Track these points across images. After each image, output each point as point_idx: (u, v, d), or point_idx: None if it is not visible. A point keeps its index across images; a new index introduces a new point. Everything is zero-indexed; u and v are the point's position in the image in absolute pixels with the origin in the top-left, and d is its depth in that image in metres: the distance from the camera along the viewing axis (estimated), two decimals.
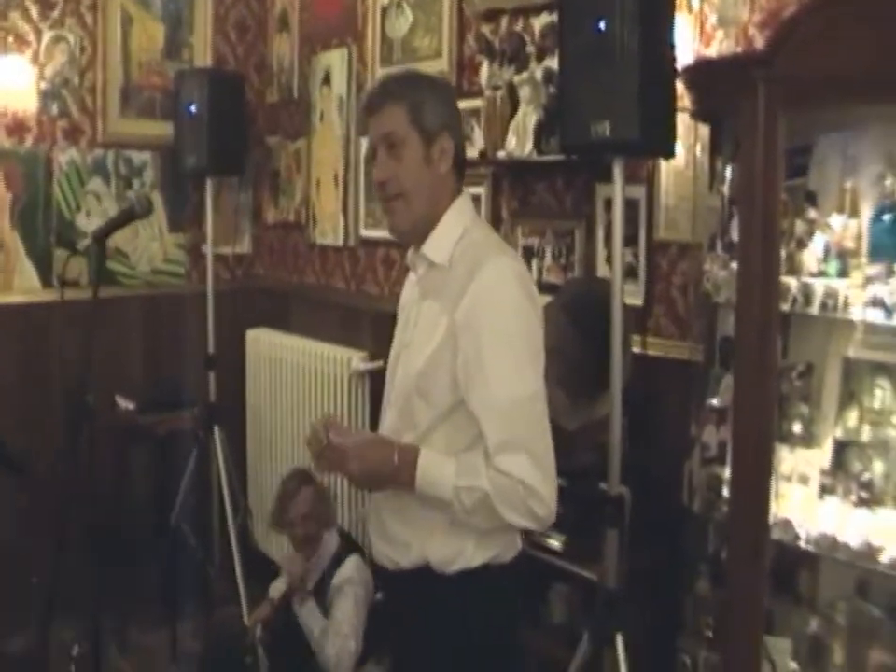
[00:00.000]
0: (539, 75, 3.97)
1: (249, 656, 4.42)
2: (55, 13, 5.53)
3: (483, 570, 2.70)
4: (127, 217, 4.26)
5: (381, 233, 5.16)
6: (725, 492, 2.96)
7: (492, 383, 2.57)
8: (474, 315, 2.58)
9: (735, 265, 2.91)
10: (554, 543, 3.61)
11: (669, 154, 3.12)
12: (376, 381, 5.07)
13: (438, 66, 4.64)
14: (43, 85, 5.52)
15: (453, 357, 2.61)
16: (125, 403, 5.55)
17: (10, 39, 5.40)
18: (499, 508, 2.55)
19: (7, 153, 5.44)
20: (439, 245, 2.72)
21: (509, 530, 2.70)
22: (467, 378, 2.60)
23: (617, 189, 3.15)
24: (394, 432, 2.75)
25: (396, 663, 3.03)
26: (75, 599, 4.31)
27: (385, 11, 5.12)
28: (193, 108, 5.45)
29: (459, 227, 2.73)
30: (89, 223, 5.69)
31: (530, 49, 4.08)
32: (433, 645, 2.73)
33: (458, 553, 2.68)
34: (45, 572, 5.01)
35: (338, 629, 4.21)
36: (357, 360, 5.09)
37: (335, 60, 5.53)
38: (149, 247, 5.94)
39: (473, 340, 2.58)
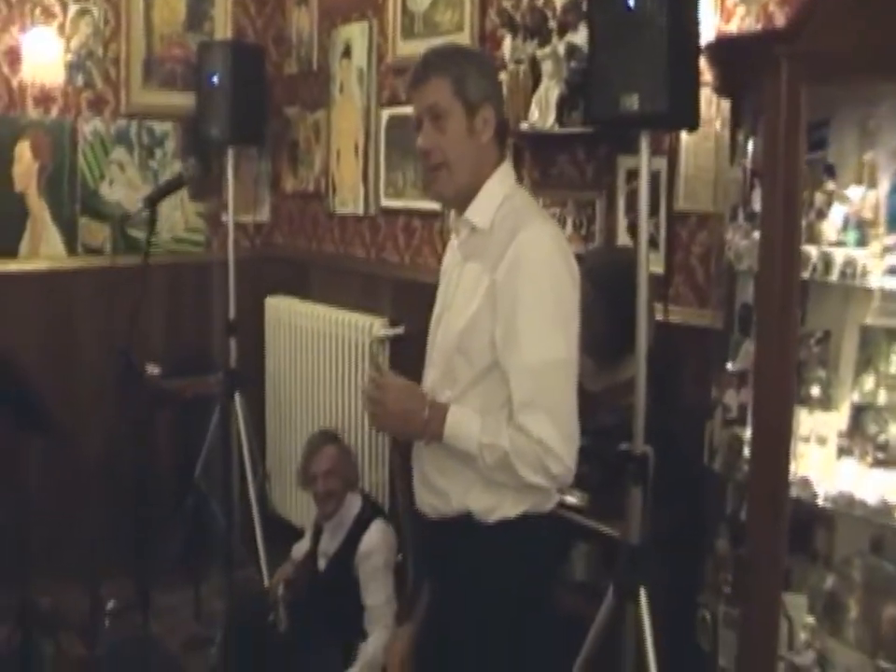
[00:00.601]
0: (561, 49, 4.07)
1: (272, 614, 4.53)
2: None
3: (521, 520, 2.82)
4: (177, 184, 4.41)
5: (402, 203, 5.27)
6: (746, 452, 3.05)
7: (523, 345, 2.69)
8: (512, 279, 2.70)
9: (756, 234, 3.00)
10: (578, 501, 3.72)
11: (694, 127, 3.23)
12: (396, 347, 5.18)
13: (460, 40, 4.71)
14: (69, 57, 5.64)
15: (492, 316, 2.74)
16: (150, 368, 5.66)
17: (38, 12, 5.51)
18: (516, 465, 2.68)
19: (34, 123, 5.58)
20: (481, 209, 2.84)
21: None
22: (502, 339, 2.73)
23: (643, 161, 3.25)
24: (434, 390, 2.87)
25: (432, 611, 3.16)
26: (107, 557, 4.47)
27: None
28: (215, 79, 5.56)
29: (501, 193, 2.86)
30: (112, 192, 5.85)
31: (552, 23, 4.18)
32: (472, 591, 2.85)
33: (498, 503, 2.80)
34: (84, 531, 5.21)
35: (385, 619, 4.35)
36: (378, 326, 5.18)
37: (355, 33, 5.61)
38: (171, 216, 6.03)
39: (510, 303, 2.70)
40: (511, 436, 2.69)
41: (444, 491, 2.88)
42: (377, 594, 4.38)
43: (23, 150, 5.55)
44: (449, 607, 2.96)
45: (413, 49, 5.06)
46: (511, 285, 2.70)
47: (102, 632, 4.18)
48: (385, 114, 5.40)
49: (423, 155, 2.87)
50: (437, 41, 4.79)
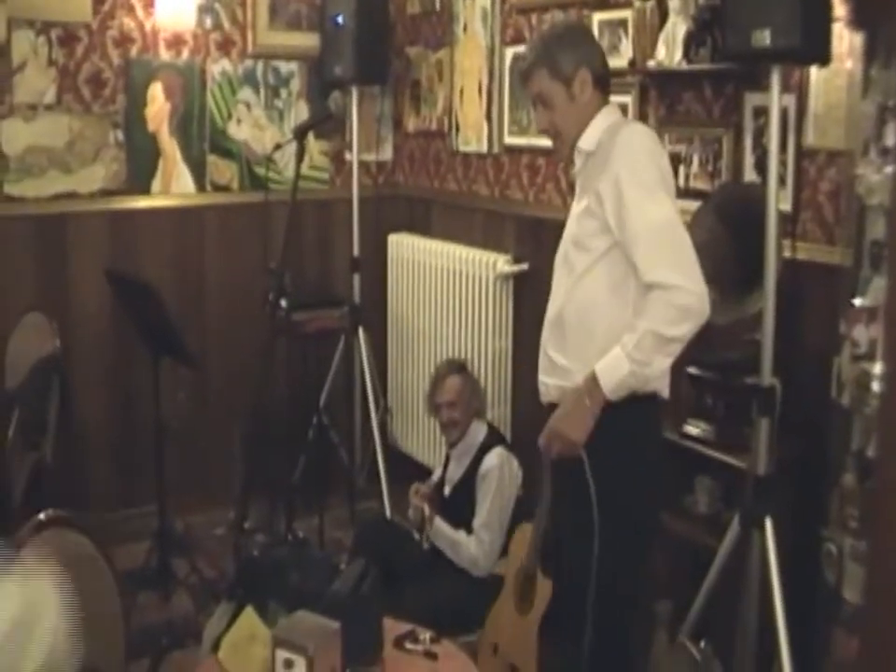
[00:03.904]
0: None
1: (418, 533, 4.63)
2: None
3: (649, 400, 3.15)
4: (324, 116, 4.57)
5: (526, 140, 5.28)
6: (874, 387, 3.08)
7: (633, 216, 3.02)
8: (613, 167, 3.05)
9: (888, 169, 3.01)
10: (703, 433, 3.78)
11: (826, 61, 3.25)
12: (520, 283, 5.25)
13: None
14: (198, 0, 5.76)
15: (600, 206, 3.08)
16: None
17: None
18: (662, 330, 2.94)
19: (166, 66, 5.71)
20: (587, 137, 3.24)
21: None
22: (614, 220, 3.05)
23: (774, 96, 3.29)
24: (558, 282, 3.32)
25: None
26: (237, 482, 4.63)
27: None
28: (340, 19, 5.65)
29: (606, 122, 3.22)
30: (239, 131, 5.98)
31: None
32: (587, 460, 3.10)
33: None
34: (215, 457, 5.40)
35: (479, 536, 4.44)
36: (502, 263, 5.23)
37: None
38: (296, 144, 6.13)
39: (614, 187, 3.04)
40: (646, 302, 2.97)
41: (567, 368, 3.19)
42: (480, 515, 4.45)
43: (156, 92, 5.69)
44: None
45: None
46: (613, 171, 3.05)
47: (240, 550, 4.33)
48: (510, 52, 5.41)
49: (541, 132, 3.39)
50: None
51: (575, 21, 3.51)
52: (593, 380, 3.02)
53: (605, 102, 3.27)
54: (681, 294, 2.91)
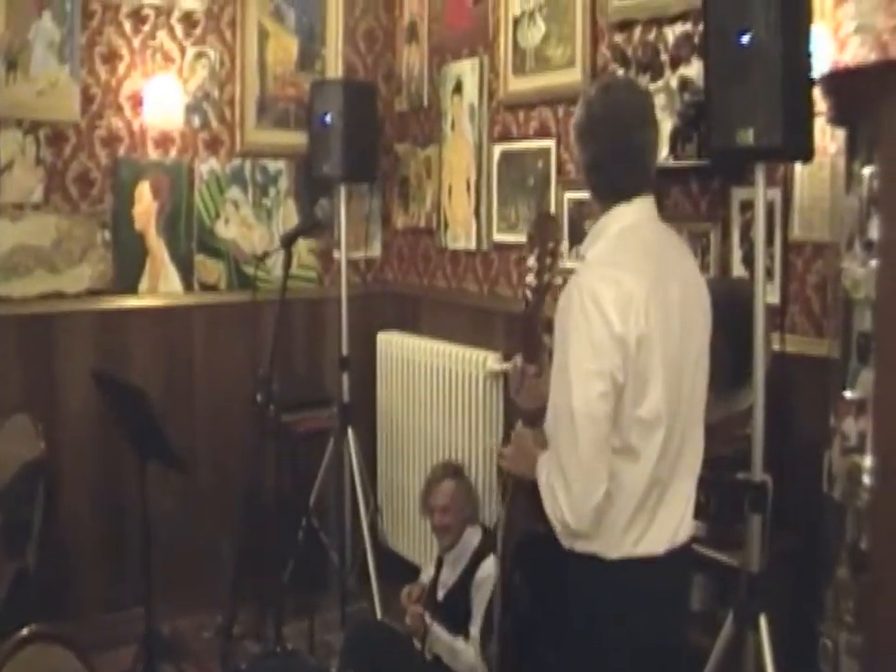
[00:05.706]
0: (674, 83, 4.11)
1: (420, 642, 4.51)
2: (198, 31, 5.79)
3: (589, 559, 2.88)
4: (311, 224, 4.56)
5: (514, 237, 5.30)
6: (866, 480, 3.06)
7: (551, 395, 2.83)
8: (557, 322, 2.84)
9: (873, 263, 3.02)
10: (696, 531, 3.72)
11: (809, 158, 3.26)
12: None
13: (571, 76, 4.78)
14: (186, 99, 5.78)
15: None
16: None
17: (158, 57, 5.67)
18: (545, 499, 2.83)
19: (153, 165, 5.72)
20: (583, 248, 3.03)
21: (609, 531, 2.86)
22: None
23: (759, 193, 3.30)
24: None
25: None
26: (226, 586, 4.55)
27: (516, 22, 5.22)
28: (328, 118, 5.69)
29: (593, 238, 2.98)
30: (227, 230, 5.98)
31: (664, 57, 4.22)
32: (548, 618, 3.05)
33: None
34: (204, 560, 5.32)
35: (477, 644, 4.35)
36: (492, 361, 5.22)
37: (466, 69, 5.67)
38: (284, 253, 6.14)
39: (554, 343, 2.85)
40: (550, 462, 2.84)
41: None
42: (477, 622, 4.38)
43: (143, 191, 5.70)
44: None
45: (525, 84, 5.14)
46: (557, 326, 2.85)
47: (228, 658, 4.26)
48: (497, 149, 5.45)
49: None
50: (548, 77, 4.92)
51: None
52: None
53: (605, 206, 2.98)
54: (557, 511, 2.78)
